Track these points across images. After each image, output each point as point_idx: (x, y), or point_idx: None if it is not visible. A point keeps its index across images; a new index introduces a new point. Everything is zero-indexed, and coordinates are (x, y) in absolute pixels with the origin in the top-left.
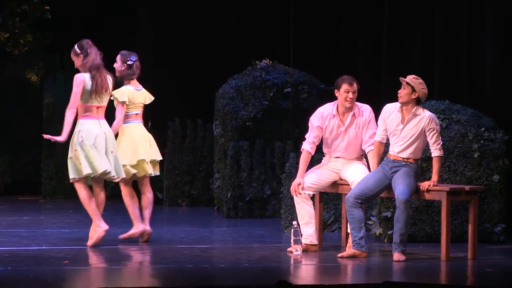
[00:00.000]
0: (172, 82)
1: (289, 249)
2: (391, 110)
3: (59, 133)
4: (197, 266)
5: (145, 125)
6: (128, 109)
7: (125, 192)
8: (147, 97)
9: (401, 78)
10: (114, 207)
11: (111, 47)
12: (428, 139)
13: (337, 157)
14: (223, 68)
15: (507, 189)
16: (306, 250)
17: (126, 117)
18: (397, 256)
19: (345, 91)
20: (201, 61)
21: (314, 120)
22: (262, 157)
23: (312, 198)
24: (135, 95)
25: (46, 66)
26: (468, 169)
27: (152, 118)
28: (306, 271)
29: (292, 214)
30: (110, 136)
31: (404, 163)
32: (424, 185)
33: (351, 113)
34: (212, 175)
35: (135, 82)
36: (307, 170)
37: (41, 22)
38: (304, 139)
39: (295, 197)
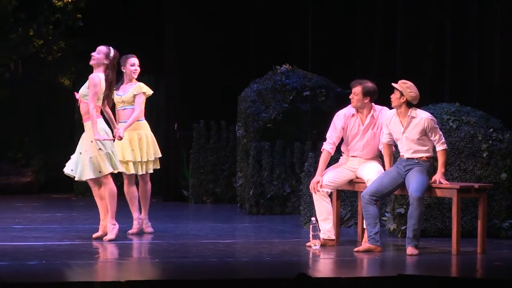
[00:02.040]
0: (197, 87)
1: (308, 243)
2: (390, 116)
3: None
4: (221, 260)
5: (172, 127)
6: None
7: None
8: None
9: (392, 84)
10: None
11: (139, 46)
12: (432, 138)
13: (354, 156)
14: (246, 73)
15: None
16: (324, 245)
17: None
18: (410, 250)
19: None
20: (224, 66)
21: (337, 121)
22: (282, 157)
23: (330, 195)
24: None
25: (78, 71)
26: (478, 168)
27: (178, 120)
28: (324, 265)
29: (310, 210)
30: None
31: (416, 161)
32: (435, 179)
33: (370, 114)
34: (235, 174)
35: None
36: (325, 169)
37: (73, 29)
38: (324, 139)
39: (314, 195)
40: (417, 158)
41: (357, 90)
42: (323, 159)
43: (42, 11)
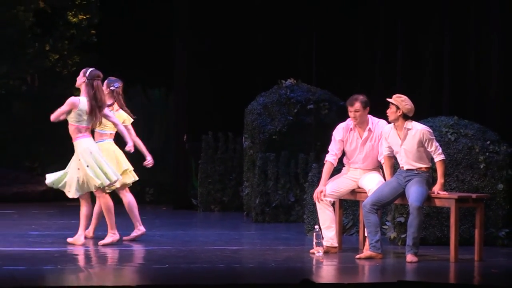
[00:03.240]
0: (206, 100)
1: (311, 250)
2: (388, 130)
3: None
4: (228, 265)
5: (182, 138)
6: (103, 128)
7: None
8: (127, 119)
9: (387, 99)
10: (153, 213)
11: (150, 60)
12: (428, 149)
13: (356, 168)
14: (252, 87)
15: (511, 197)
16: (327, 252)
17: (102, 136)
18: (410, 257)
19: (349, 111)
20: (232, 81)
21: (336, 134)
22: (287, 167)
23: (333, 204)
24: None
25: None
26: (475, 179)
27: (187, 132)
28: (327, 271)
29: (314, 219)
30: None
31: (416, 172)
32: (434, 190)
33: (368, 127)
34: (241, 183)
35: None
36: (328, 179)
37: (87, 44)
38: (327, 151)
39: (317, 204)
40: (416, 169)
41: (357, 106)
42: (326, 170)
43: (57, 27)
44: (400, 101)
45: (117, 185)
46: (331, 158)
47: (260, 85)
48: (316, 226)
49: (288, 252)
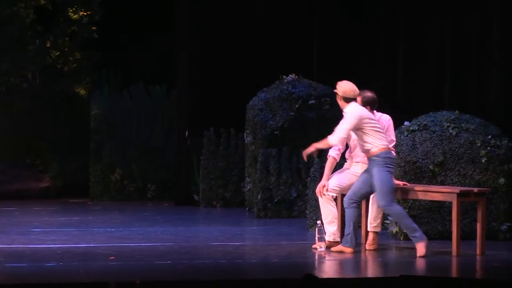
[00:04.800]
0: (207, 95)
1: (314, 246)
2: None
3: (106, 140)
4: (231, 261)
5: (183, 134)
6: None
7: None
8: None
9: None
10: (155, 209)
11: (152, 56)
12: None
13: (357, 162)
14: (253, 82)
15: None
16: (329, 247)
17: None
18: (420, 246)
19: None
20: (233, 76)
21: None
22: (289, 163)
23: (335, 199)
24: None
25: (93, 81)
26: (477, 173)
27: (189, 128)
28: (329, 266)
29: (316, 214)
30: None
31: (369, 158)
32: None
33: None
34: (243, 179)
35: None
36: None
37: (88, 41)
38: (330, 146)
39: (319, 198)
40: (367, 156)
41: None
42: (329, 165)
43: (58, 24)
44: (337, 86)
45: None
46: (334, 153)
47: (262, 80)
48: (319, 221)
49: (291, 248)
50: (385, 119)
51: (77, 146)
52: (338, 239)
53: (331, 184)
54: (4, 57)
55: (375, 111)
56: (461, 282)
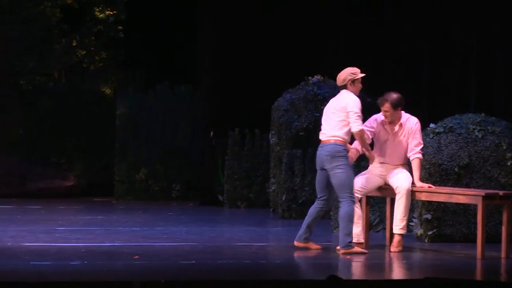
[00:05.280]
0: (232, 96)
1: (338, 247)
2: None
3: (132, 140)
4: (255, 262)
5: (208, 134)
6: None
7: None
8: None
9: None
10: (179, 209)
11: (177, 56)
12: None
13: (382, 163)
14: (279, 83)
15: None
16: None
17: None
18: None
19: (381, 110)
20: (259, 77)
21: (369, 122)
22: (313, 164)
23: (360, 201)
24: None
25: (118, 80)
26: (502, 176)
27: (214, 128)
28: (354, 268)
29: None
30: None
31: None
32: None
33: (399, 123)
34: (268, 180)
35: None
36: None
37: (114, 40)
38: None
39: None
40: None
41: (386, 107)
42: (363, 139)
43: (85, 23)
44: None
45: None
46: (365, 128)
47: (287, 81)
48: None
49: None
50: (413, 121)
51: (102, 145)
52: (362, 241)
53: (356, 185)
54: (31, 56)
55: (402, 112)
56: (485, 285)
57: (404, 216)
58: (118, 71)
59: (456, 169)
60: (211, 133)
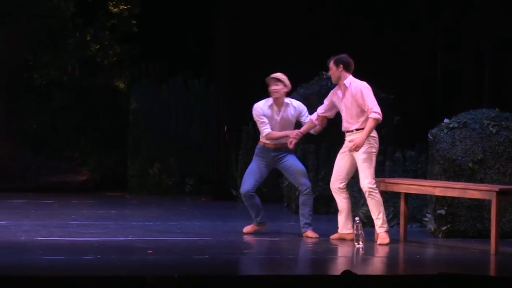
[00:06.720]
0: (247, 90)
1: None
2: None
3: (145, 134)
4: (268, 256)
5: (222, 128)
6: None
7: None
8: None
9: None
10: (192, 204)
11: (191, 50)
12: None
13: (345, 134)
14: (292, 78)
15: None
16: (343, 239)
17: None
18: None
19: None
20: (272, 71)
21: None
22: (327, 159)
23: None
24: None
25: (132, 75)
26: None
27: (228, 122)
28: (367, 263)
29: (354, 211)
30: None
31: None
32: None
33: (343, 84)
34: (281, 174)
35: None
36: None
37: (128, 35)
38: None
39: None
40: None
41: (330, 65)
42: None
43: (98, 17)
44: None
45: None
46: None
47: (301, 76)
48: (357, 218)
49: (328, 244)
50: (355, 86)
51: (115, 139)
52: (348, 231)
53: (334, 175)
54: (45, 50)
55: (350, 76)
56: (499, 281)
57: (378, 215)
58: (132, 66)
59: (470, 164)
60: (225, 128)
